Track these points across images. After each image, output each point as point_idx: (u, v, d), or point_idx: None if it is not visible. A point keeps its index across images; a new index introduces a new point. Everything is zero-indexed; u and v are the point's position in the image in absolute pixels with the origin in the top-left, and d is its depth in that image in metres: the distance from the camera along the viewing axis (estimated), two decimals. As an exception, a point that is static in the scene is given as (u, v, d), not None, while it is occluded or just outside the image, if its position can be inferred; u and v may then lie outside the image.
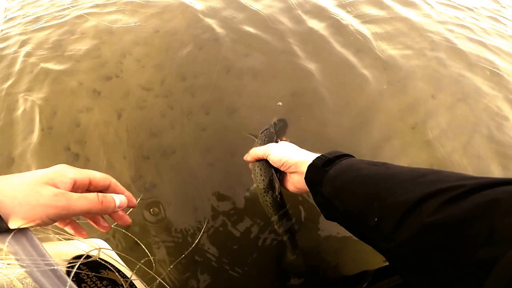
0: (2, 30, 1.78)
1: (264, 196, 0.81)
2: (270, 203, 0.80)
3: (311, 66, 1.42)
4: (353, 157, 0.65)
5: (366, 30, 1.67)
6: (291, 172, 0.73)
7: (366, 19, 1.75)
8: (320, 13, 1.73)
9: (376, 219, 0.48)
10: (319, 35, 1.58)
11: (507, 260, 0.31)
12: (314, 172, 0.64)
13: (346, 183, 0.56)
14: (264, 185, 0.80)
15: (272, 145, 0.80)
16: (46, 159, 1.13)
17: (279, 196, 0.80)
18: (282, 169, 0.75)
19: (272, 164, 0.77)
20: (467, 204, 0.38)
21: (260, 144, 0.88)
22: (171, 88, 1.31)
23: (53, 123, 1.23)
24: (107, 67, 1.41)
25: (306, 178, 0.66)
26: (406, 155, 1.19)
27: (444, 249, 0.38)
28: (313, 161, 0.65)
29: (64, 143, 1.17)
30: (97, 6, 1.78)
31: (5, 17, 1.89)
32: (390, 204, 0.46)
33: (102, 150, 1.15)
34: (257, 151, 0.81)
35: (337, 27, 1.65)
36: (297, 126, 1.19)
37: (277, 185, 0.80)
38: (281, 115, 1.10)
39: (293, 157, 0.71)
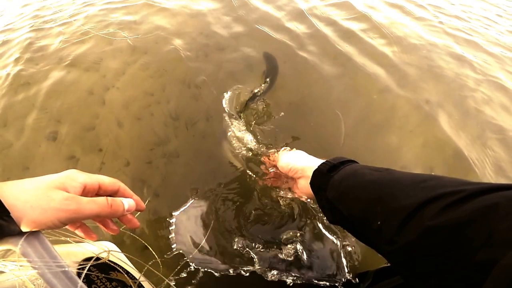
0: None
1: None
2: None
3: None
4: (357, 162, 0.67)
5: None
6: (298, 177, 0.75)
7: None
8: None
9: (379, 223, 0.49)
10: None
11: (505, 262, 0.32)
12: (319, 178, 0.66)
13: (350, 188, 0.58)
14: None
15: (281, 153, 0.84)
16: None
17: None
18: (290, 174, 0.78)
19: (281, 170, 0.81)
20: (467, 208, 0.39)
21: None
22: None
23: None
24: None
25: (311, 183, 0.68)
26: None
27: (445, 252, 0.39)
28: (318, 166, 0.67)
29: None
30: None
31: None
32: (393, 208, 0.47)
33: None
34: (268, 159, 0.88)
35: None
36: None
37: None
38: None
39: (299, 163, 0.74)
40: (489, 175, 1.25)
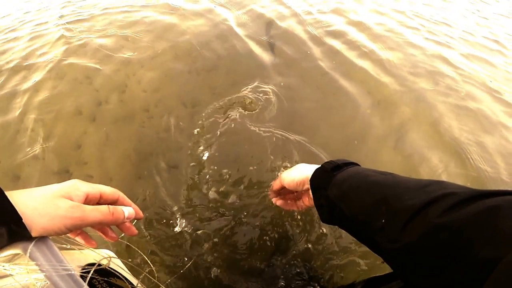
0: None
1: None
2: None
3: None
4: (359, 165, 0.67)
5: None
6: (307, 189, 0.73)
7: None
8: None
9: (383, 221, 0.49)
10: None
11: (509, 258, 0.33)
12: (321, 175, 0.66)
13: (354, 188, 0.58)
14: None
15: (283, 172, 0.82)
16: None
17: None
18: (298, 189, 0.76)
19: (289, 188, 0.78)
20: (470, 210, 0.41)
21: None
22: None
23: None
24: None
25: (311, 180, 0.67)
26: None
27: (449, 250, 0.40)
28: (321, 165, 0.67)
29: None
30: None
31: None
32: (398, 207, 0.48)
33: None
34: (275, 184, 0.85)
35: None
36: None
37: None
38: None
39: (303, 174, 0.73)
40: (483, 169, 1.39)
